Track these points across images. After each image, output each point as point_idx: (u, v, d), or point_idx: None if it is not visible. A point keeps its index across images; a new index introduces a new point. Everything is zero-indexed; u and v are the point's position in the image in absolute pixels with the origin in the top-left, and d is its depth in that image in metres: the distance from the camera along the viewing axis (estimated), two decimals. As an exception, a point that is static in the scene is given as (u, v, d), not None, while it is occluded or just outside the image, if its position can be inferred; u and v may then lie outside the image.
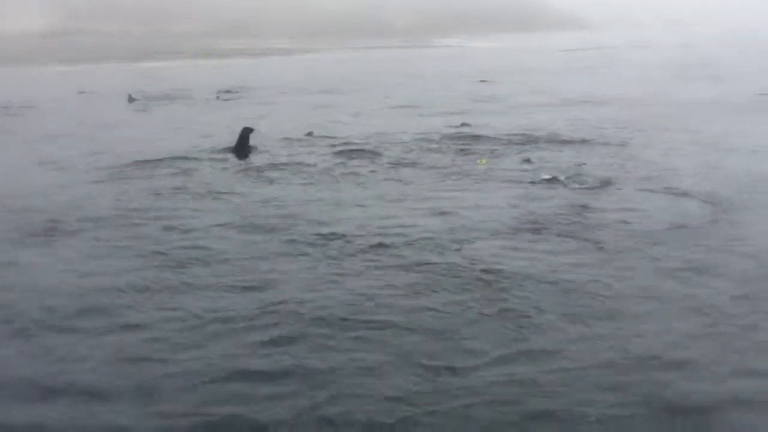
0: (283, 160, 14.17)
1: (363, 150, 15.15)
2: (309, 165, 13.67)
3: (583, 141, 16.02)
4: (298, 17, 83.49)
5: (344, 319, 6.60)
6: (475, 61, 47.90)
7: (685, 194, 11.03)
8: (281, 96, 27.21)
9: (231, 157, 14.47)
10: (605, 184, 11.91)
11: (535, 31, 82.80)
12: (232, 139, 15.19)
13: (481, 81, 31.93)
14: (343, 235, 9.04)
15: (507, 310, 6.73)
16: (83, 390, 5.58)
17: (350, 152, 14.93)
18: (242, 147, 14.74)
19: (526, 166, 13.70)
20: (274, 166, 13.52)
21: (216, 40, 64.03)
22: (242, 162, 14.05)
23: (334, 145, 15.64)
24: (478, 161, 14.76)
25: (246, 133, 14.96)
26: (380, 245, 8.64)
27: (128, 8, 74.90)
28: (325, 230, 9.28)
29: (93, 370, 5.85)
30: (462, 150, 15.38)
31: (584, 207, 10.37)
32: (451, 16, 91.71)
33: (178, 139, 16.93)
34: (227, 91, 28.18)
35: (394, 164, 13.86)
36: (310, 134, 16.96)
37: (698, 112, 20.30)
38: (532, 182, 12.17)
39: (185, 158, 14.24)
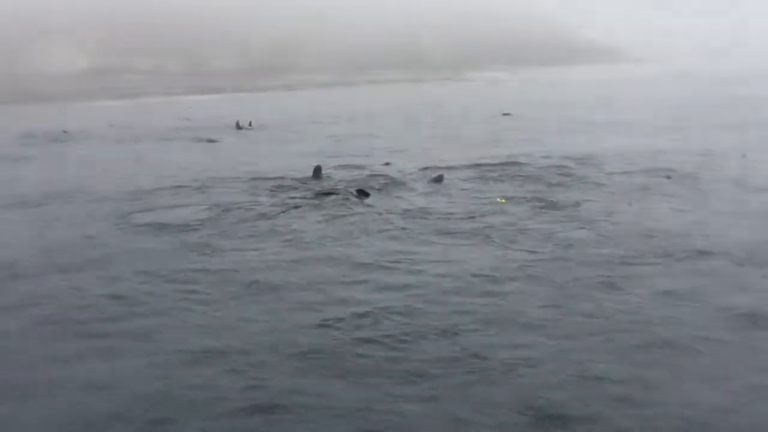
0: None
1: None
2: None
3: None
4: (335, 53, 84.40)
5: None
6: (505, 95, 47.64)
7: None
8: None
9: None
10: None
11: (571, 64, 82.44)
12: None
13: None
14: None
15: None
16: None
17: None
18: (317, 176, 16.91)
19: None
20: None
21: (254, 76, 64.80)
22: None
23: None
24: (499, 199, 14.45)
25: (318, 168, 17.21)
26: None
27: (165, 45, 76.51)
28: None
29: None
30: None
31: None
32: (486, 50, 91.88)
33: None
34: (249, 124, 29.45)
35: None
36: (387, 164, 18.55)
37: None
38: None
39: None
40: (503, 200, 14.41)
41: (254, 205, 14.03)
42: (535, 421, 5.99)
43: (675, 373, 6.78)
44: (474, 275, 9.48)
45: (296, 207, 13.78)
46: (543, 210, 13.30)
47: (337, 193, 14.57)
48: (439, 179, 16.14)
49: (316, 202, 14.16)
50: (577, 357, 7.07)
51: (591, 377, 6.66)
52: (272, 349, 7.32)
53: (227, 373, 6.86)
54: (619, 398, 6.32)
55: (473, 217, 12.80)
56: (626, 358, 7.06)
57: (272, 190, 15.41)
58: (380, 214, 13.11)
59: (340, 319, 8.03)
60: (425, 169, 17.42)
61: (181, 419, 6.09)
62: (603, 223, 12.07)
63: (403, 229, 12.03)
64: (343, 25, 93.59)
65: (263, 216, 13.10)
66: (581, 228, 11.83)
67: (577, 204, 13.62)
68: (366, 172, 17.33)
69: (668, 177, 16.00)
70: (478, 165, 17.95)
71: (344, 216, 13.04)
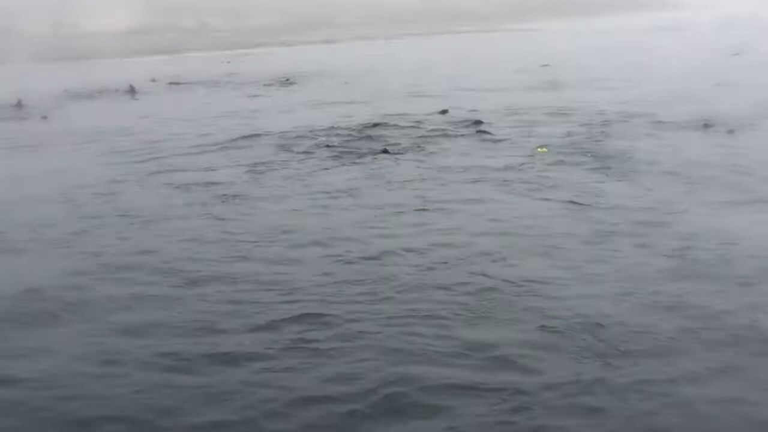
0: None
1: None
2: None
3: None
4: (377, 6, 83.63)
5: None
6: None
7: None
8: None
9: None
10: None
11: (614, 13, 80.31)
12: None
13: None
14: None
15: None
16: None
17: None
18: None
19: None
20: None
21: (294, 33, 64.74)
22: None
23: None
24: (539, 149, 14.56)
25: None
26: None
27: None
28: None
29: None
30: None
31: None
32: (528, 2, 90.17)
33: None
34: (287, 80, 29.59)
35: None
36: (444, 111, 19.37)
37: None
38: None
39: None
40: (543, 149, 14.53)
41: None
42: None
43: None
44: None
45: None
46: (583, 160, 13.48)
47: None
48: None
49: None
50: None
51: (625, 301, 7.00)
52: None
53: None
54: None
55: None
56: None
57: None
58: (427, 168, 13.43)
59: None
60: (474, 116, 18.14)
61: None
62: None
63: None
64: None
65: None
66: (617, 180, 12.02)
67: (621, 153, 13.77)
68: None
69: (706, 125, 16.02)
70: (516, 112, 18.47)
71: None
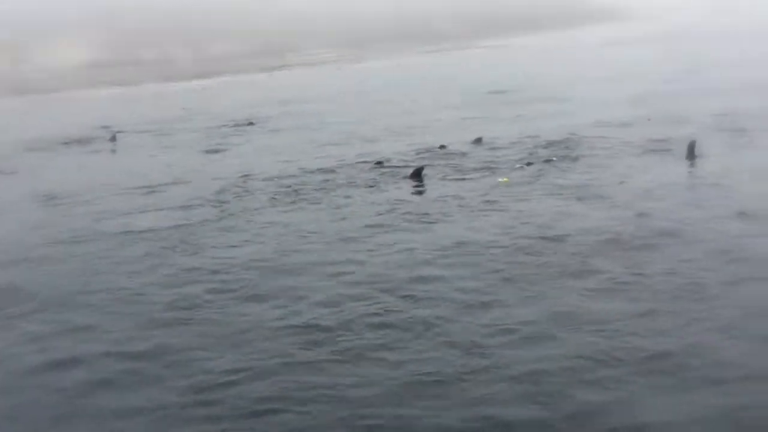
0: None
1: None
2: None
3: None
4: (343, 29, 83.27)
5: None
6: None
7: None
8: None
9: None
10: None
11: (576, 27, 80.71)
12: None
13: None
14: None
15: None
16: None
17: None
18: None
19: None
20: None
21: (262, 58, 63.83)
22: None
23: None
24: (501, 180, 13.98)
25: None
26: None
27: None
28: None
29: None
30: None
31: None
32: (492, 19, 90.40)
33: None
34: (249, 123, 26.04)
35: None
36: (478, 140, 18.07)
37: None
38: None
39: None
40: (505, 180, 13.99)
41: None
42: None
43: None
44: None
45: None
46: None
47: None
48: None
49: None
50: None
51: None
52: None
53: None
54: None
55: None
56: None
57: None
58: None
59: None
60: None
61: None
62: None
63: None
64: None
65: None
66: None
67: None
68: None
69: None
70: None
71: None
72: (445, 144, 17.75)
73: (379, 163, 16.19)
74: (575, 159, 15.08)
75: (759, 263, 8.99)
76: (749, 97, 20.85)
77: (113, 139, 24.07)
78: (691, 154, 14.26)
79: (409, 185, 14.04)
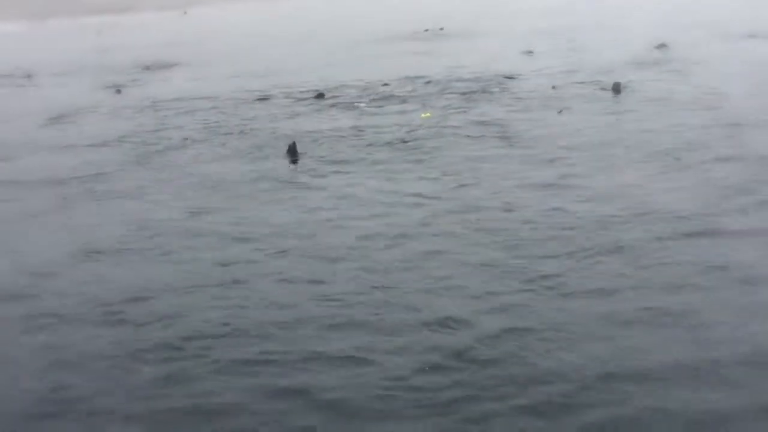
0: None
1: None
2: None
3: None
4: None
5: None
6: None
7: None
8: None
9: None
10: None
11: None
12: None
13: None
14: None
15: None
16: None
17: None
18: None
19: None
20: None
21: None
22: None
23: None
24: (423, 114, 14.88)
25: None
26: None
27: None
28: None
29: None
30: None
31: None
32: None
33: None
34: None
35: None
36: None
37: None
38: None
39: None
40: (427, 115, 14.87)
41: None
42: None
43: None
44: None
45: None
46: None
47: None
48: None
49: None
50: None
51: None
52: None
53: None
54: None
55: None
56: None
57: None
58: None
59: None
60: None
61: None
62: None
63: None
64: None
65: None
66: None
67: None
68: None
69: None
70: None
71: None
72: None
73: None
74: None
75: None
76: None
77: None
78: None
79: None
